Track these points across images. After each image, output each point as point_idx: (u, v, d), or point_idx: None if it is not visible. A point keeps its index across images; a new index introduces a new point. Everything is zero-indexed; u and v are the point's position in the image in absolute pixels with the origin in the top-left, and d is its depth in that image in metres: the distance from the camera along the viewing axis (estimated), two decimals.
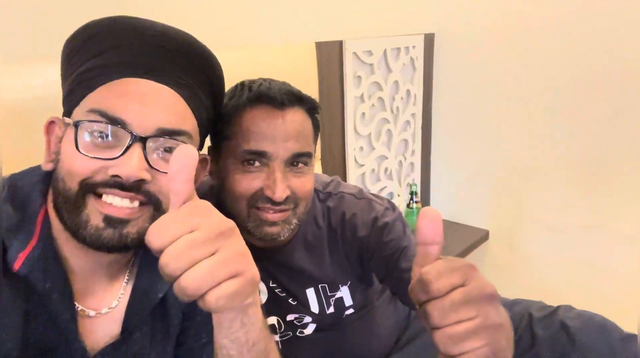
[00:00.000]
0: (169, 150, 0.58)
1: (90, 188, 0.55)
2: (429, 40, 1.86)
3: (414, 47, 1.82)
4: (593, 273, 1.73)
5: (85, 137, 0.56)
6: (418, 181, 2.02)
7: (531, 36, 1.68)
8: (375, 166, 1.80)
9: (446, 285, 0.44)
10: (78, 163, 0.55)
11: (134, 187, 0.56)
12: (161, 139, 0.57)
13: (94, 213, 0.56)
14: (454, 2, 1.82)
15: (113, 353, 0.62)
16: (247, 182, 0.76)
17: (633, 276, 1.64)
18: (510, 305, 1.04)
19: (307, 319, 0.93)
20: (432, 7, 1.84)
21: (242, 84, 0.82)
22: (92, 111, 0.56)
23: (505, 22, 1.73)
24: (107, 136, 0.56)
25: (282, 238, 0.81)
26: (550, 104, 1.70)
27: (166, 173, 0.56)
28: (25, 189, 0.59)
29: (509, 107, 1.79)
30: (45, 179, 0.60)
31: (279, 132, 0.75)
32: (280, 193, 0.75)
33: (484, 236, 1.91)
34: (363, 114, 1.69)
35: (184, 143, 0.59)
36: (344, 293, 0.93)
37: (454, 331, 0.43)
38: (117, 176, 0.55)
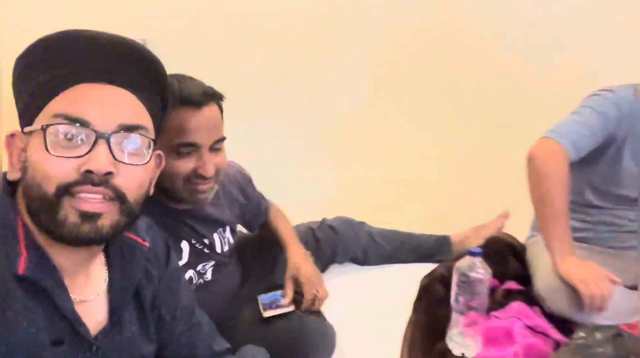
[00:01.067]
0: (131, 145, 0.65)
1: (66, 190, 0.61)
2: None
3: None
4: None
5: (53, 140, 0.61)
6: None
7: (229, 36, 2.01)
8: None
9: None
10: (51, 165, 0.61)
11: (103, 181, 0.61)
12: (122, 134, 0.64)
13: (70, 211, 0.61)
14: (160, 10, 1.97)
15: (109, 335, 0.71)
16: (183, 165, 1.01)
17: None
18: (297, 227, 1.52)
19: (210, 263, 1.18)
20: (142, 15, 1.96)
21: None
22: (57, 116, 0.62)
23: (203, 28, 2.00)
24: (73, 136, 0.62)
25: (208, 200, 1.11)
26: (265, 90, 2.07)
27: (129, 164, 0.64)
28: None
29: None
30: (8, 192, 0.66)
31: (202, 126, 1.01)
32: (210, 171, 1.03)
33: None
34: None
35: (143, 136, 0.66)
36: (230, 234, 1.26)
37: None
38: (89, 171, 0.60)
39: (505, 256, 1.51)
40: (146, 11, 2.02)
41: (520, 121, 2.02)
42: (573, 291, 1.19)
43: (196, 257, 1.14)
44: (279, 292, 1.26)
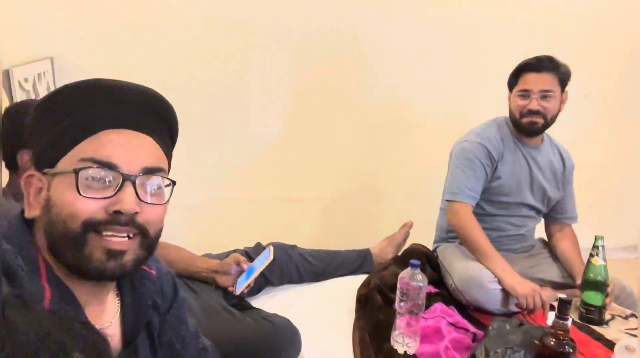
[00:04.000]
0: (154, 186, 0.70)
1: (92, 227, 0.64)
2: (53, 63, 1.97)
3: (47, 71, 1.91)
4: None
5: (83, 182, 0.64)
6: None
7: (140, 54, 2.04)
8: None
9: None
10: (80, 206, 0.64)
11: (129, 221, 0.65)
12: (147, 176, 0.69)
13: (97, 248, 0.64)
14: (65, 27, 1.96)
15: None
16: None
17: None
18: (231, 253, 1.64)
19: None
20: (49, 34, 1.93)
21: None
22: (84, 160, 0.65)
23: (107, 42, 2.01)
24: (101, 179, 0.66)
25: None
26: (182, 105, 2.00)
27: (153, 204, 0.69)
28: (16, 243, 0.65)
29: None
30: (26, 232, 0.68)
31: None
32: None
33: None
34: None
35: (164, 177, 0.72)
36: None
37: None
38: (117, 211, 0.64)
39: (423, 264, 1.75)
40: (53, 28, 1.92)
41: (417, 141, 2.35)
42: (482, 287, 1.56)
43: None
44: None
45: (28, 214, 0.68)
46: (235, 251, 1.71)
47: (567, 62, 1.68)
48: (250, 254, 1.71)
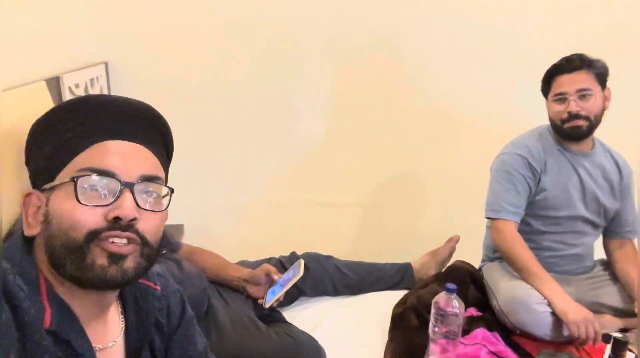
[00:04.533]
0: (151, 194, 0.71)
1: (94, 235, 0.65)
2: (107, 68, 2.05)
3: (100, 76, 1.97)
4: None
5: (82, 191, 0.65)
6: None
7: (190, 58, 2.08)
8: None
9: None
10: (81, 214, 0.65)
11: (129, 227, 0.66)
12: (145, 184, 0.70)
13: (98, 254, 0.65)
14: (120, 33, 2.02)
15: None
16: None
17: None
18: (266, 261, 1.65)
19: None
20: (104, 39, 2.01)
21: None
22: (83, 169, 0.67)
23: (163, 50, 2.06)
24: (100, 187, 0.67)
25: None
26: (225, 109, 2.15)
27: (152, 211, 0.70)
28: (17, 263, 0.66)
29: (182, 114, 2.07)
30: (26, 251, 0.68)
31: None
32: None
33: (179, 229, 2.23)
34: None
35: (162, 185, 0.73)
36: None
37: None
38: (117, 217, 0.65)
39: (465, 284, 1.65)
40: (108, 34, 2.00)
41: (464, 147, 2.21)
42: (529, 309, 1.43)
43: None
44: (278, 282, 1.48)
45: (27, 232, 0.69)
46: (269, 259, 1.69)
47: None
48: (285, 263, 1.67)
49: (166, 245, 1.52)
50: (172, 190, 0.74)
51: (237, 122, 2.19)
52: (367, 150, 2.25)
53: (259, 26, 2.06)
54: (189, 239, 2.23)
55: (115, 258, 0.66)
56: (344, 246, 2.16)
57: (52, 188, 0.67)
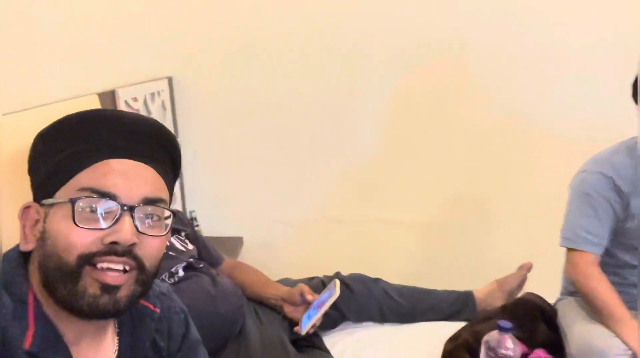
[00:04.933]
0: (152, 217, 0.67)
1: (87, 260, 0.61)
2: (170, 83, 2.12)
3: (162, 90, 2.03)
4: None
5: (80, 212, 0.62)
6: (180, 207, 2.23)
7: (249, 74, 2.09)
8: None
9: None
10: (75, 237, 0.61)
11: (126, 252, 0.63)
12: (145, 207, 0.66)
13: (91, 282, 0.62)
14: (185, 49, 2.10)
15: None
16: None
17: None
18: (307, 281, 1.57)
19: (181, 265, 1.31)
20: (169, 55, 2.09)
21: None
22: (83, 189, 0.63)
23: (225, 65, 2.10)
24: (98, 209, 0.63)
25: None
26: (285, 123, 2.13)
27: (152, 236, 0.66)
28: (7, 277, 0.64)
29: (243, 128, 2.17)
30: (20, 265, 0.66)
31: None
32: None
33: (239, 242, 2.25)
34: None
35: (164, 208, 0.69)
36: (186, 238, 1.45)
37: None
38: (114, 242, 0.62)
39: (534, 320, 1.42)
40: (173, 49, 2.07)
41: (541, 163, 1.97)
42: None
43: (165, 261, 1.30)
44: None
45: (23, 247, 0.66)
46: (312, 278, 1.59)
47: None
48: (326, 283, 1.56)
49: (206, 259, 1.49)
50: (174, 213, 0.70)
51: (296, 136, 2.16)
52: (430, 165, 2.10)
53: (316, 37, 2.03)
54: (247, 252, 2.25)
55: (108, 288, 0.62)
56: (399, 268, 2.00)
57: (51, 205, 0.65)
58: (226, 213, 2.29)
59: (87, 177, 0.65)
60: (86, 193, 0.63)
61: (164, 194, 0.71)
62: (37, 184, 0.69)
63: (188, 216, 2.12)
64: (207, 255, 1.51)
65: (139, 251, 0.65)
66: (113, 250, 0.62)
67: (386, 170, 2.13)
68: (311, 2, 1.98)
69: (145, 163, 0.69)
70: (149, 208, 0.67)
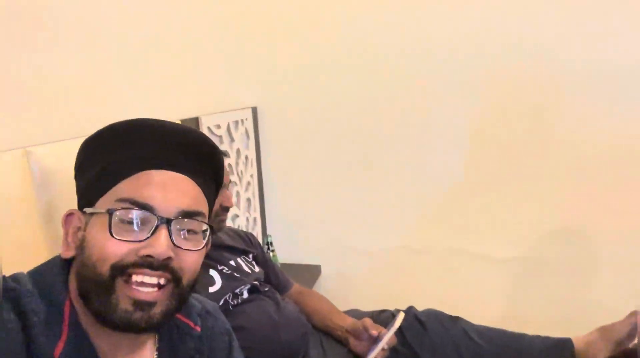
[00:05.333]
0: (189, 231, 0.66)
1: (120, 270, 0.61)
2: (254, 112, 2.20)
3: (246, 119, 2.10)
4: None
5: (116, 223, 0.62)
6: (259, 232, 2.24)
7: (329, 103, 2.10)
8: (231, 224, 1.95)
9: None
10: (110, 248, 0.61)
11: (162, 266, 0.62)
12: (183, 220, 0.65)
13: (123, 297, 0.61)
14: (269, 80, 2.16)
15: None
16: (216, 200, 1.07)
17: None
18: (378, 314, 1.49)
19: (246, 287, 1.29)
20: (253, 86, 2.17)
21: None
22: (122, 200, 0.63)
23: (307, 95, 2.13)
24: (135, 221, 0.63)
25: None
26: (363, 151, 2.10)
27: (188, 250, 0.65)
28: (48, 282, 0.64)
29: (324, 156, 2.17)
30: (64, 270, 0.66)
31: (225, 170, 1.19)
32: (232, 202, 1.30)
33: (317, 270, 2.24)
34: None
35: (202, 222, 0.68)
36: (254, 261, 1.44)
37: None
38: (148, 256, 0.61)
39: None
40: (257, 80, 2.15)
41: None
42: None
43: (229, 281, 1.25)
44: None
45: (64, 254, 0.67)
46: (383, 312, 1.49)
47: None
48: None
49: (273, 283, 1.47)
50: (211, 228, 0.70)
51: (377, 162, 2.11)
52: (525, 193, 1.91)
53: (399, 66, 1.98)
54: (325, 281, 2.24)
55: (142, 305, 0.62)
56: (484, 307, 1.82)
57: (91, 214, 0.65)
58: (305, 240, 2.29)
59: (126, 187, 0.65)
60: (124, 204, 0.63)
61: (202, 207, 0.69)
62: (81, 192, 0.70)
63: (265, 240, 2.15)
64: (274, 278, 1.50)
65: (175, 265, 0.64)
66: (148, 262, 0.62)
67: (473, 198, 1.98)
68: (395, 32, 1.95)
69: (186, 174, 0.68)
70: (186, 221, 0.66)
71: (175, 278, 0.64)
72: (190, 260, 0.66)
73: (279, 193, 2.29)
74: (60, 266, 0.67)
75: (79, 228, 0.67)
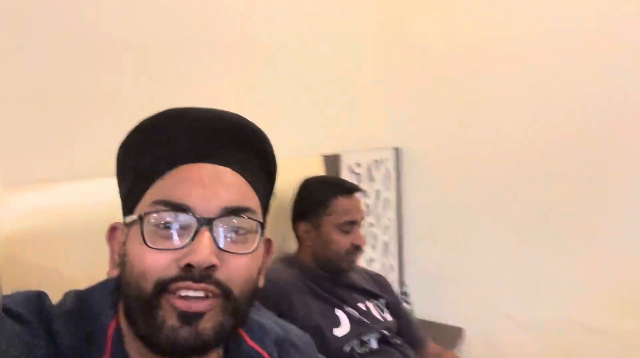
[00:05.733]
0: (237, 231, 0.55)
1: (164, 286, 0.52)
2: (397, 153, 2.11)
3: (387, 159, 2.02)
4: None
5: (151, 230, 0.53)
6: (396, 281, 2.08)
7: (476, 147, 1.94)
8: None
9: None
10: (148, 260, 0.52)
11: (205, 276, 0.52)
12: (227, 218, 0.55)
13: (169, 312, 0.52)
14: (413, 121, 2.07)
15: None
16: (345, 240, 1.20)
17: None
18: None
19: (374, 335, 1.19)
20: (397, 126, 2.08)
21: (324, 180, 1.32)
22: (156, 202, 0.54)
23: (451, 139, 2.00)
24: (172, 225, 0.54)
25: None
26: (532, 203, 1.84)
27: (236, 254, 0.54)
28: (94, 303, 0.57)
29: (473, 209, 1.98)
30: (115, 291, 0.58)
31: (356, 207, 1.24)
32: (364, 241, 1.24)
33: (458, 333, 2.00)
34: None
35: (250, 218, 0.56)
36: (387, 308, 1.32)
37: None
38: (189, 265, 0.52)
39: None
40: (401, 121, 2.07)
41: None
42: None
43: (358, 326, 1.17)
44: None
45: (110, 273, 0.59)
46: None
47: None
48: None
49: (406, 336, 1.30)
50: (262, 224, 0.58)
51: (537, 214, 1.83)
52: None
53: (557, 105, 1.74)
54: (469, 346, 1.97)
55: (188, 318, 0.52)
56: None
57: (130, 224, 0.56)
58: (446, 297, 2.05)
59: (160, 188, 0.56)
60: (158, 207, 0.54)
61: (249, 201, 0.58)
62: (123, 201, 0.61)
63: (400, 290, 1.98)
64: (408, 332, 1.32)
65: (221, 275, 0.53)
66: (189, 274, 0.51)
67: None
68: (543, 71, 1.76)
69: (227, 165, 0.58)
70: (232, 220, 0.55)
71: (223, 290, 0.53)
72: (240, 265, 0.54)
73: (420, 241, 2.12)
74: (111, 287, 0.58)
75: (122, 243, 0.57)
